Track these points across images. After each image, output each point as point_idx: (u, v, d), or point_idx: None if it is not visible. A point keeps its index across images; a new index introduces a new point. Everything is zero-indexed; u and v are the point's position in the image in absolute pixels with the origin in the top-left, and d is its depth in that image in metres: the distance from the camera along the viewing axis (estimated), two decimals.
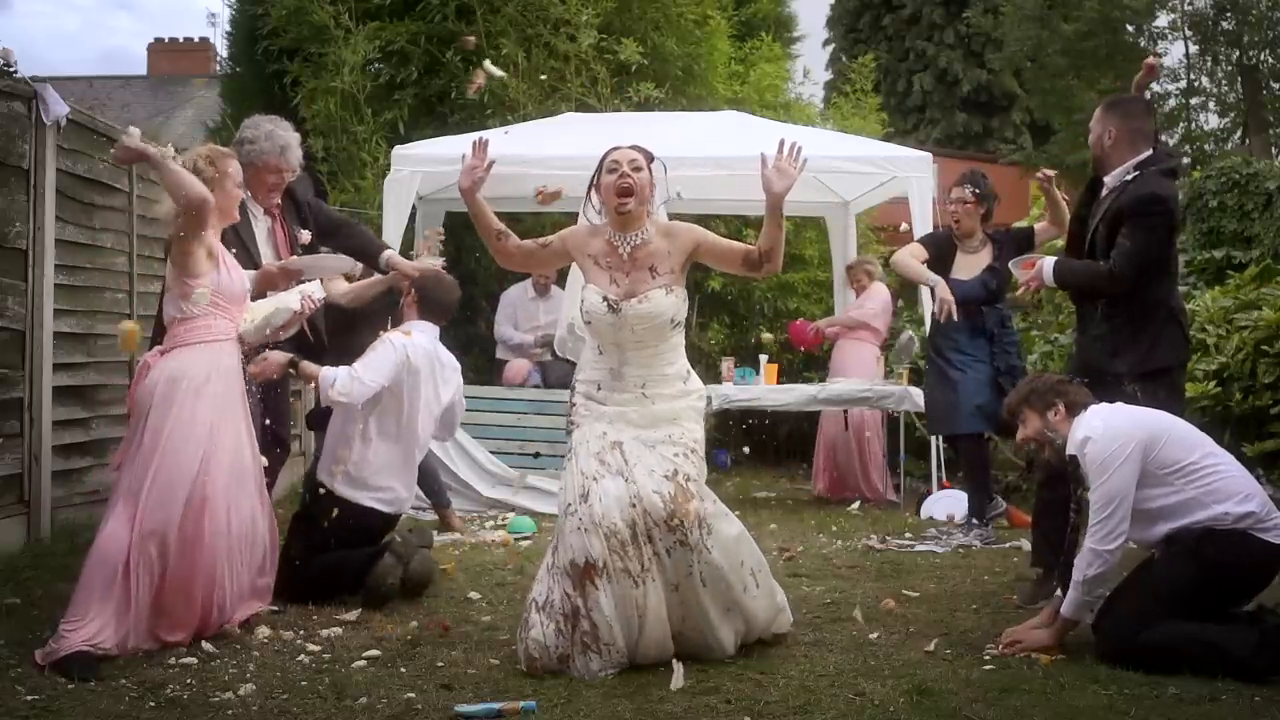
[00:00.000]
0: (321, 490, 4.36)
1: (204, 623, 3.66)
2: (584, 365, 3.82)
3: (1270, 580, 3.53)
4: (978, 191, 5.85)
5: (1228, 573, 3.42)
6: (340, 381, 4.19)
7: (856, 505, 6.70)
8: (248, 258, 4.35)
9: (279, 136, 4.48)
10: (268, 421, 4.30)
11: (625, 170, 3.63)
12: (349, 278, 5.15)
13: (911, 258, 5.86)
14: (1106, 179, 4.36)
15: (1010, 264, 4.68)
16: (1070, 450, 3.66)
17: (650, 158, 3.74)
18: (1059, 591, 3.86)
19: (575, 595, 3.39)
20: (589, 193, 3.77)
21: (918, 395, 6.89)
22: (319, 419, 5.36)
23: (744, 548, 3.65)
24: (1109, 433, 3.55)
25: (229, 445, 3.73)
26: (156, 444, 3.57)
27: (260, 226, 4.56)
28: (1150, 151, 4.30)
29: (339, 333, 5.34)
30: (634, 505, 3.41)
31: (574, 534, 3.43)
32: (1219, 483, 3.47)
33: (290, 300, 3.96)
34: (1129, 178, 4.25)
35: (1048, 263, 4.48)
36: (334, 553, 4.29)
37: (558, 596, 3.43)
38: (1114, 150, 4.32)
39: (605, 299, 3.60)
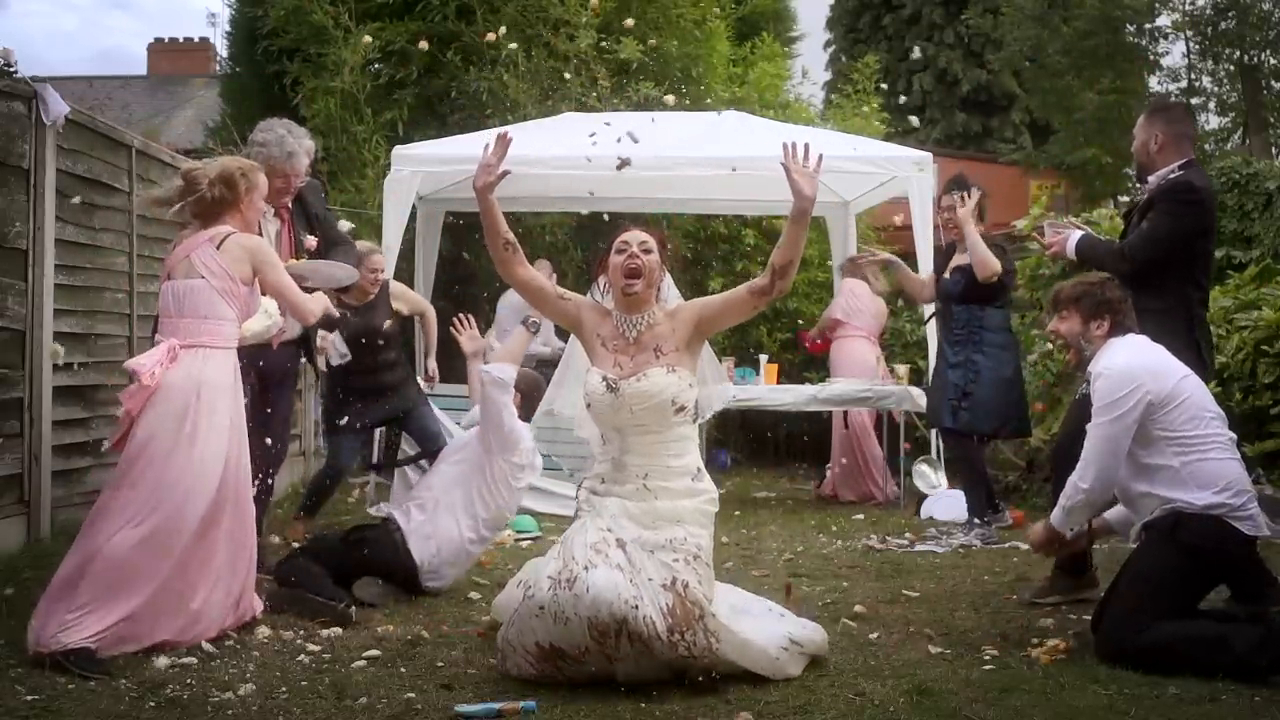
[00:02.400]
0: (391, 522, 4.50)
1: (201, 627, 3.66)
2: (592, 460, 3.72)
3: (1250, 567, 3.55)
4: (964, 195, 5.99)
5: (1205, 557, 3.44)
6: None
7: (862, 516, 6.71)
8: None
9: (288, 143, 4.52)
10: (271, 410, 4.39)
11: (634, 251, 3.53)
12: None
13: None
14: (1151, 178, 4.39)
15: (1045, 223, 4.76)
16: (1093, 367, 3.68)
17: (662, 242, 3.65)
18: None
19: (546, 665, 3.26)
20: (596, 272, 3.70)
21: (918, 395, 6.91)
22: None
23: (757, 628, 3.41)
24: (1128, 372, 3.54)
25: (238, 453, 3.77)
26: (194, 447, 3.60)
27: (270, 227, 4.60)
28: (1193, 155, 4.35)
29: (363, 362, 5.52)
30: (634, 607, 3.14)
31: (538, 619, 3.22)
32: (1202, 465, 3.47)
33: (276, 324, 4.12)
34: (1173, 175, 4.29)
35: (1075, 235, 4.52)
36: (316, 569, 4.29)
37: (522, 652, 3.30)
38: (1160, 155, 4.36)
39: (604, 379, 3.48)
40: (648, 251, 3.55)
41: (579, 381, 3.68)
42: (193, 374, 3.66)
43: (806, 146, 3.49)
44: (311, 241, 4.72)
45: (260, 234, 4.30)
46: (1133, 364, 3.58)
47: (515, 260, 3.67)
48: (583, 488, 3.58)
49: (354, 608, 4.08)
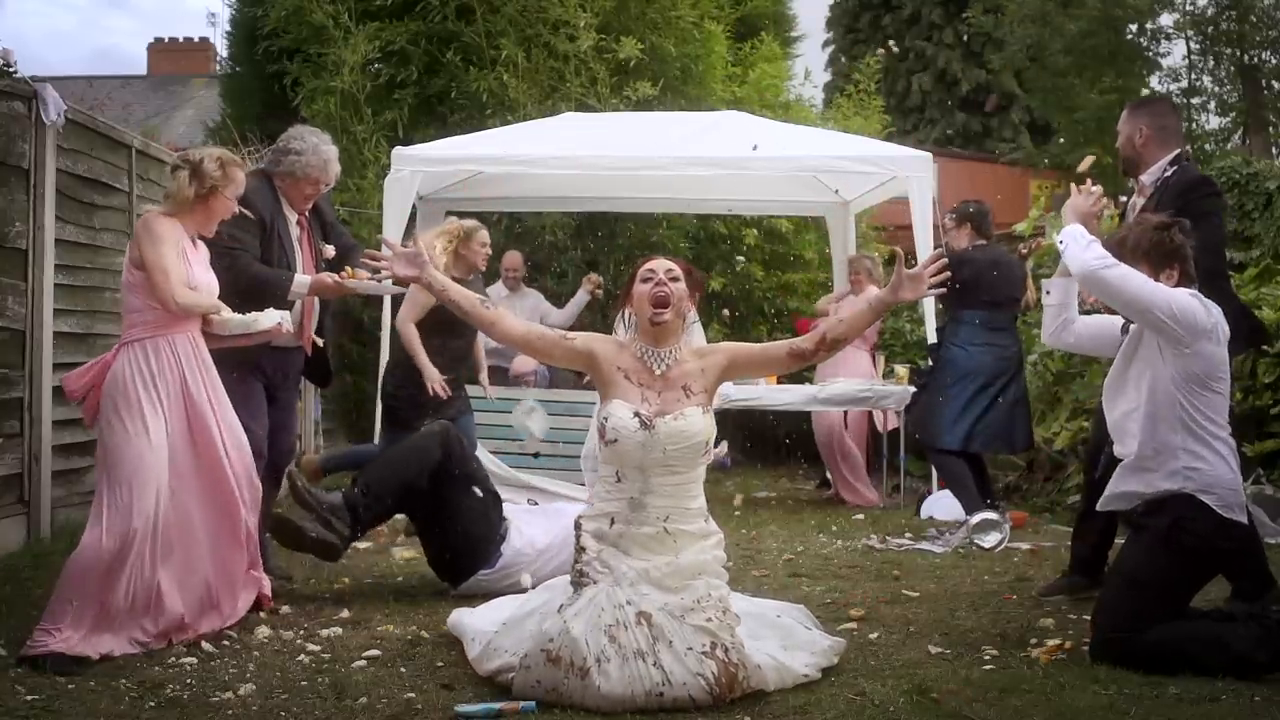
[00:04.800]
0: (506, 524, 4.40)
1: (184, 623, 3.64)
2: (596, 498, 3.41)
3: (1246, 559, 3.55)
4: (953, 216, 6.19)
5: (1200, 556, 3.43)
6: None
7: (863, 516, 6.70)
8: (286, 261, 4.50)
9: (323, 151, 4.58)
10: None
11: (661, 278, 3.39)
12: None
13: None
14: (1143, 178, 4.36)
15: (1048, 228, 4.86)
16: None
17: (689, 270, 3.50)
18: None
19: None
20: (619, 306, 3.57)
21: None
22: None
23: (783, 657, 3.27)
24: (1202, 324, 3.40)
25: (202, 444, 3.73)
26: (129, 442, 3.57)
27: (294, 233, 4.62)
28: (1180, 149, 4.32)
29: (434, 334, 5.54)
30: (659, 695, 2.99)
31: (534, 690, 3.06)
32: (1206, 447, 3.43)
33: (266, 321, 3.96)
34: (1168, 173, 4.26)
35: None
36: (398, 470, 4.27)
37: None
38: (1145, 149, 4.32)
39: (637, 414, 3.28)
40: (675, 279, 3.41)
41: None
42: (115, 371, 3.66)
43: (943, 260, 3.46)
44: (330, 250, 4.77)
45: (282, 225, 4.46)
46: (1216, 324, 3.44)
47: (503, 317, 3.54)
48: (585, 533, 3.32)
49: (342, 543, 4.15)
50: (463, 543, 4.32)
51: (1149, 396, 3.48)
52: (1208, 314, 3.45)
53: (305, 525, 4.19)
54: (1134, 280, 3.45)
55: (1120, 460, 3.60)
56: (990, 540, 5.42)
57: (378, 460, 4.27)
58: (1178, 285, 3.55)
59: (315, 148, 4.55)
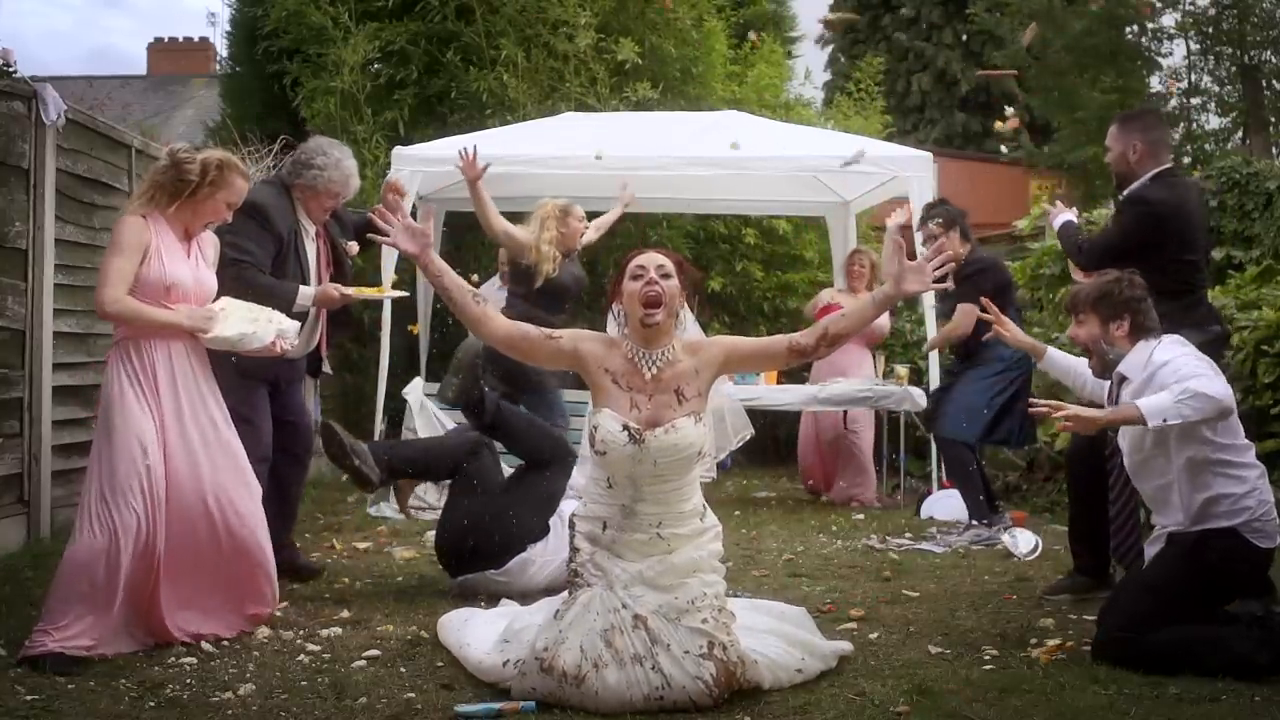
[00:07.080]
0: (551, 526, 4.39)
1: (167, 626, 3.62)
2: (588, 498, 3.35)
3: (1261, 580, 3.55)
4: (940, 221, 5.80)
5: (1221, 575, 3.45)
6: None
7: (863, 516, 6.69)
8: (301, 275, 4.50)
9: (346, 166, 4.63)
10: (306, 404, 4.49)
11: (652, 276, 3.24)
12: None
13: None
14: (1125, 193, 4.40)
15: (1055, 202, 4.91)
16: (1124, 370, 3.56)
17: (681, 263, 3.35)
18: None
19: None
20: (610, 299, 3.45)
21: (918, 395, 6.90)
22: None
23: (777, 654, 3.25)
24: (1198, 359, 3.43)
25: (185, 439, 3.68)
26: (118, 441, 3.55)
27: (310, 245, 4.62)
28: (1171, 162, 4.35)
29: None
30: (659, 697, 2.98)
31: (532, 695, 3.05)
32: (1238, 468, 3.45)
33: (265, 334, 3.81)
34: (1147, 190, 4.30)
35: (1063, 217, 4.66)
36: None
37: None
38: (1139, 165, 4.34)
39: (626, 428, 3.18)
40: (666, 276, 3.26)
41: None
42: (108, 372, 3.66)
43: (950, 262, 3.44)
44: (354, 247, 4.82)
45: (299, 238, 4.52)
46: (1194, 358, 3.46)
47: (491, 316, 3.38)
48: (578, 534, 3.26)
49: (379, 477, 4.37)
50: (490, 541, 4.28)
51: (1184, 464, 3.47)
52: (1202, 361, 3.46)
53: (354, 447, 4.32)
54: (1202, 399, 3.30)
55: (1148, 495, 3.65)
56: (1010, 537, 5.40)
57: (547, 427, 4.70)
58: (1131, 335, 3.60)
59: (337, 162, 4.58)
